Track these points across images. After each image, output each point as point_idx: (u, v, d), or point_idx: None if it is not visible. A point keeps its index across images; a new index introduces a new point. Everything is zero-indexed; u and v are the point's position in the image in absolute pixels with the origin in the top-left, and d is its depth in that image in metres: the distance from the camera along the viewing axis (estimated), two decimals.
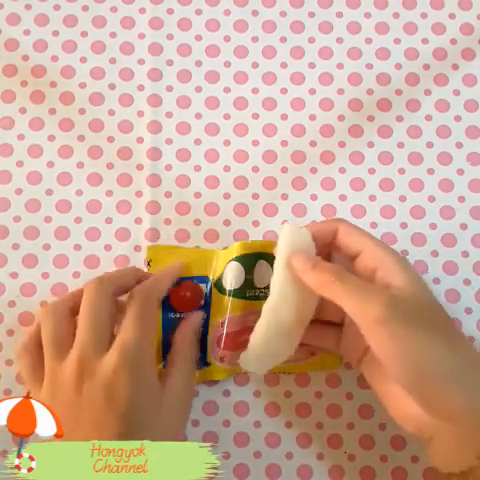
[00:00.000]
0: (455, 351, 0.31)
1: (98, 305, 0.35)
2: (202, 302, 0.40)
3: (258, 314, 0.36)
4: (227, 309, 0.39)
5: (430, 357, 0.30)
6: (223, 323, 0.39)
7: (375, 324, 0.31)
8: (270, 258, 0.40)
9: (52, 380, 0.34)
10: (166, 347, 0.39)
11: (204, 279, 0.40)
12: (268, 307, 0.35)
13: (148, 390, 0.34)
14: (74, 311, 0.37)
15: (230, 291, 0.39)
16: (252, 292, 0.39)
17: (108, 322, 0.35)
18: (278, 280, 0.35)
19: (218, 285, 0.39)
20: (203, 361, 0.40)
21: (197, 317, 0.39)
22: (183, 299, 0.40)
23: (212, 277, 0.40)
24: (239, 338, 0.38)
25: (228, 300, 0.39)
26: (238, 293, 0.39)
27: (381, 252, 0.34)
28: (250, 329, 0.36)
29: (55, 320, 0.36)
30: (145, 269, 0.41)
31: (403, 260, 0.34)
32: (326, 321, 0.38)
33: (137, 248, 0.42)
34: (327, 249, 0.37)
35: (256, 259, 0.39)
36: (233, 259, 0.39)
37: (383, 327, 0.30)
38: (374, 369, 0.35)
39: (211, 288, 0.40)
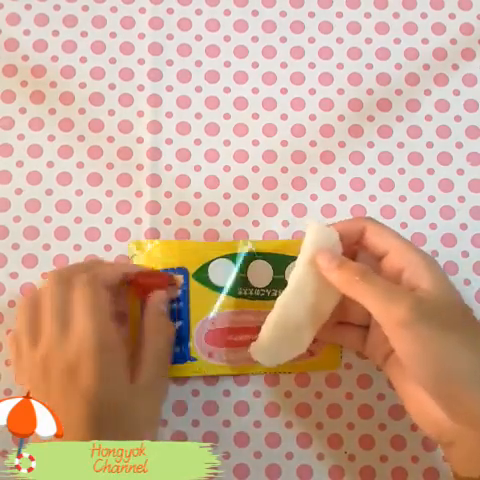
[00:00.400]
0: (477, 351, 0.31)
1: (57, 295, 0.35)
2: (178, 292, 0.39)
3: (255, 314, 0.36)
4: (215, 305, 0.40)
5: (454, 360, 0.30)
6: (211, 319, 0.39)
7: (399, 326, 0.31)
8: (270, 258, 0.41)
9: (48, 353, 0.35)
10: None
11: (182, 271, 0.40)
12: (282, 301, 0.36)
13: (114, 374, 0.34)
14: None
15: (220, 287, 0.40)
16: (246, 291, 0.40)
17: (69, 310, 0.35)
18: (297, 275, 0.36)
19: (200, 278, 0.40)
20: (187, 355, 0.40)
21: (158, 296, 0.39)
22: (143, 286, 0.39)
23: (191, 268, 0.40)
24: (229, 336, 0.39)
25: (217, 296, 0.40)
26: (229, 290, 0.40)
27: (408, 253, 0.34)
28: (244, 329, 0.37)
29: (62, 293, 0.36)
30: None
31: (431, 261, 0.34)
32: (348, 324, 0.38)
33: None
34: (353, 248, 0.37)
35: (251, 259, 0.41)
36: (224, 256, 0.40)
37: (407, 329, 0.31)
38: (398, 371, 0.35)
39: (188, 279, 0.40)
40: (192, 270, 0.40)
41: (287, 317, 0.36)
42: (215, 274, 0.40)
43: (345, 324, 0.38)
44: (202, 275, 0.40)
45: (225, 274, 0.40)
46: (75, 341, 0.34)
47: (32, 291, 0.38)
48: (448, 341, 0.30)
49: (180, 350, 0.39)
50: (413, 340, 0.30)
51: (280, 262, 0.41)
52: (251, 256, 0.41)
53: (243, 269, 0.41)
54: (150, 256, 0.41)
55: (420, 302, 0.31)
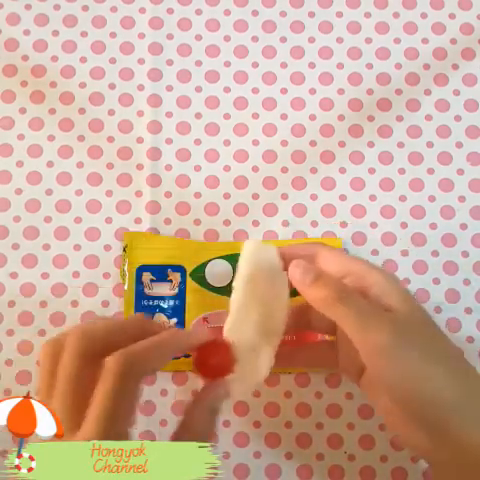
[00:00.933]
0: (458, 378, 0.30)
1: (74, 377, 0.29)
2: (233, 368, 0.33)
3: None
4: (211, 304, 0.40)
5: (436, 387, 0.29)
6: (206, 318, 0.40)
7: (377, 352, 0.30)
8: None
9: None
10: None
11: (179, 268, 0.41)
12: (228, 329, 0.34)
13: None
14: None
15: (216, 288, 0.40)
16: None
17: (86, 393, 0.29)
18: (237, 299, 0.34)
19: (196, 277, 0.41)
20: None
21: (218, 391, 0.32)
22: (211, 366, 0.33)
23: (188, 267, 0.41)
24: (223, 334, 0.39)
25: (213, 296, 0.40)
26: (225, 291, 0.40)
27: (371, 273, 0.33)
28: None
29: (76, 366, 0.30)
30: (121, 255, 0.42)
31: (394, 278, 0.33)
32: (317, 341, 0.37)
33: None
34: None
35: None
36: (221, 257, 0.41)
37: (386, 356, 0.29)
38: (375, 388, 0.34)
39: (185, 278, 0.41)
40: (189, 269, 0.41)
41: (239, 344, 0.33)
42: (211, 274, 0.41)
43: (311, 344, 0.37)
44: (199, 274, 0.41)
45: (221, 275, 0.41)
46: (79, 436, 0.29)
47: (53, 340, 0.31)
48: (428, 367, 0.30)
49: None
50: (392, 367, 0.29)
51: None
52: None
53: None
54: (149, 251, 0.41)
55: (398, 326, 0.30)
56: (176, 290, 0.40)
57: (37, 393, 0.31)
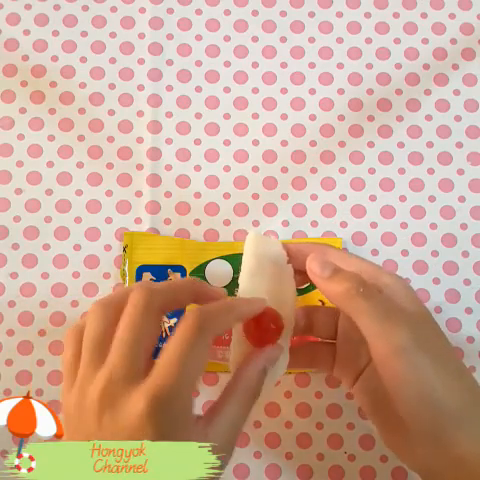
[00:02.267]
0: (462, 388, 0.30)
1: (139, 327, 0.29)
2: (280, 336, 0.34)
3: None
4: None
5: (445, 395, 0.29)
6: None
7: (395, 352, 0.29)
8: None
9: (80, 390, 0.30)
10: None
11: (179, 268, 0.41)
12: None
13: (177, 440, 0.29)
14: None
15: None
16: None
17: (148, 346, 0.30)
18: (244, 292, 0.33)
19: (196, 277, 0.40)
20: None
21: (271, 353, 0.32)
22: (263, 332, 0.33)
23: (188, 267, 0.41)
24: (224, 335, 0.40)
25: None
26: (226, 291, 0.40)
27: (381, 275, 0.32)
28: None
29: (99, 324, 0.30)
30: (121, 255, 0.42)
31: (404, 281, 0.33)
32: (317, 341, 0.36)
33: None
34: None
35: None
36: (221, 257, 0.41)
37: (403, 356, 0.29)
38: (369, 394, 0.33)
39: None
40: (189, 269, 0.41)
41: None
42: (211, 274, 0.41)
43: (309, 345, 0.36)
44: (199, 275, 0.41)
45: (221, 275, 0.41)
46: (143, 399, 0.28)
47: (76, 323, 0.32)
48: (438, 375, 0.29)
49: None
50: (407, 366, 0.29)
51: None
52: None
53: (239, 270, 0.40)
54: (149, 251, 0.41)
55: (415, 328, 0.30)
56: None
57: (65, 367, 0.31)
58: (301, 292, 0.40)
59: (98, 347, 0.30)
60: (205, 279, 0.41)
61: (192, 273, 0.41)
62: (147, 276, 0.41)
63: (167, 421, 0.28)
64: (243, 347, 0.33)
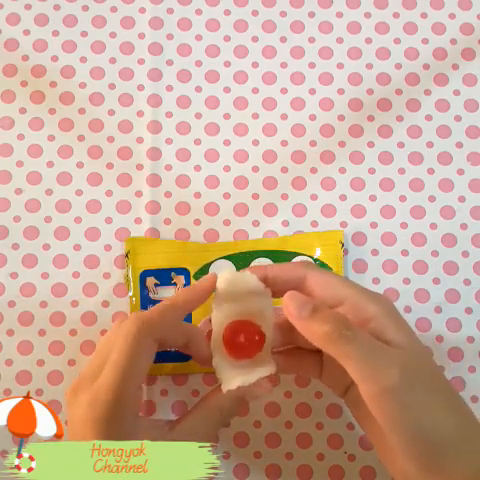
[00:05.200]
0: (455, 414, 0.29)
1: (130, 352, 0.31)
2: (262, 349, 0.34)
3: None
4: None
5: (437, 427, 0.28)
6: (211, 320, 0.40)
7: (383, 392, 0.28)
8: (263, 255, 0.41)
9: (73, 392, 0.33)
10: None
11: (183, 271, 0.41)
12: (212, 347, 0.33)
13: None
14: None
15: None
16: None
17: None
18: (216, 317, 0.33)
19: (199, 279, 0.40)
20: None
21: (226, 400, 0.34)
22: (239, 345, 0.33)
23: (192, 269, 0.41)
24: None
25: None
26: None
27: (367, 303, 0.31)
28: None
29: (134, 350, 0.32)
30: (121, 255, 0.42)
31: (391, 308, 0.32)
32: (303, 349, 0.35)
33: None
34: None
35: (249, 259, 0.41)
36: (224, 257, 0.41)
37: (392, 396, 0.28)
38: (362, 409, 0.32)
39: (189, 280, 0.41)
40: (193, 271, 0.41)
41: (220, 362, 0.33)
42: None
43: (298, 351, 0.35)
44: (199, 276, 0.40)
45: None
46: (85, 403, 0.31)
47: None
48: (430, 407, 0.29)
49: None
50: (397, 407, 0.28)
51: (281, 259, 0.41)
52: (251, 255, 0.41)
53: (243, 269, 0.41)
54: (151, 255, 0.41)
55: (405, 365, 0.29)
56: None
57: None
58: None
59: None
60: None
61: (196, 275, 0.41)
62: (151, 280, 0.41)
63: (105, 420, 0.30)
64: (225, 361, 0.33)
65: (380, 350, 0.29)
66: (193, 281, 0.41)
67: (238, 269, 0.41)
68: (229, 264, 0.41)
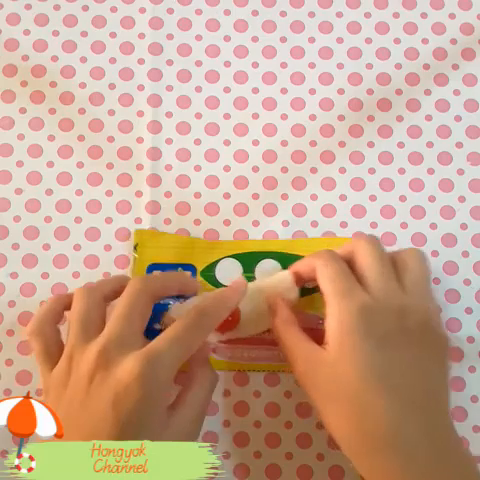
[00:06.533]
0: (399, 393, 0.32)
1: (135, 306, 0.34)
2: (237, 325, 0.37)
3: None
4: None
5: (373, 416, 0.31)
6: None
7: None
8: (271, 256, 0.41)
9: (70, 358, 0.33)
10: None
11: (190, 267, 0.41)
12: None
13: (156, 409, 0.32)
14: (108, 298, 0.36)
15: (226, 287, 0.40)
16: None
17: (141, 324, 0.34)
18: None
19: (207, 276, 0.41)
20: None
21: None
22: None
23: (199, 266, 0.41)
24: None
25: None
26: None
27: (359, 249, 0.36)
28: None
29: (89, 302, 0.35)
30: (132, 254, 0.42)
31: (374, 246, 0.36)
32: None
33: None
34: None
35: (256, 258, 0.41)
36: (231, 256, 0.41)
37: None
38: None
39: (196, 277, 0.41)
40: (200, 268, 0.41)
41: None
42: (222, 273, 0.41)
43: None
44: (209, 274, 0.41)
45: (232, 274, 0.41)
46: (138, 360, 0.32)
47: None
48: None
49: None
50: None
51: (287, 261, 0.41)
52: (259, 255, 0.41)
53: (251, 269, 0.41)
54: (159, 249, 0.41)
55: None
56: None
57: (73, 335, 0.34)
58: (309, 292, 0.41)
59: (88, 321, 0.34)
60: (216, 278, 0.41)
61: (203, 272, 0.41)
62: None
63: (152, 383, 0.31)
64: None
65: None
66: (200, 278, 0.41)
67: (245, 269, 0.41)
68: (236, 263, 0.41)
